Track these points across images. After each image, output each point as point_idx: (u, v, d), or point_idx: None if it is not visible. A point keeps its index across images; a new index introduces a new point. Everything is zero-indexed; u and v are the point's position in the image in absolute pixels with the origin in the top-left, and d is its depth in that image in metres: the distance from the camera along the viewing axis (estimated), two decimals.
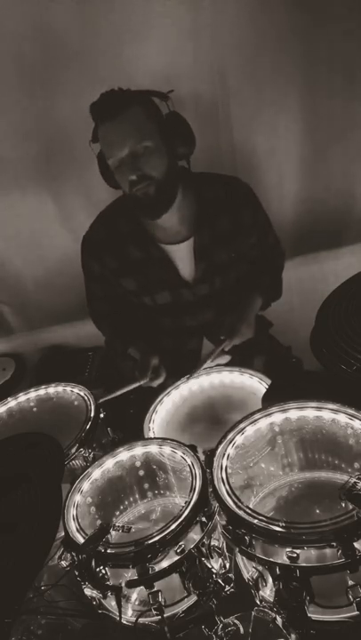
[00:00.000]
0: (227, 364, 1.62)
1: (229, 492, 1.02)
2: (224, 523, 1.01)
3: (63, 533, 1.08)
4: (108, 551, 1.01)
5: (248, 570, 1.01)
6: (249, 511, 0.97)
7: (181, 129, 1.51)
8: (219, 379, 1.57)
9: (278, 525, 0.92)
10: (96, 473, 1.22)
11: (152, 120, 1.47)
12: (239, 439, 1.15)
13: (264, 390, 1.41)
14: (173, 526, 1.00)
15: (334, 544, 0.86)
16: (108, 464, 1.23)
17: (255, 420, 1.18)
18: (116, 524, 1.13)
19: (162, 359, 1.63)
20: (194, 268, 1.68)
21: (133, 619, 1.01)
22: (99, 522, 1.12)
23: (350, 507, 0.90)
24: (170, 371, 1.63)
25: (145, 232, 1.66)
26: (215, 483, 1.05)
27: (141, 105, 1.46)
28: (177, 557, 0.99)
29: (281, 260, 1.92)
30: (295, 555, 0.89)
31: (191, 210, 1.63)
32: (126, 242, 1.67)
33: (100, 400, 1.49)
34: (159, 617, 0.96)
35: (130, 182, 1.48)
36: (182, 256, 1.67)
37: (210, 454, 1.13)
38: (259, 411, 1.20)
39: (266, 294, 1.78)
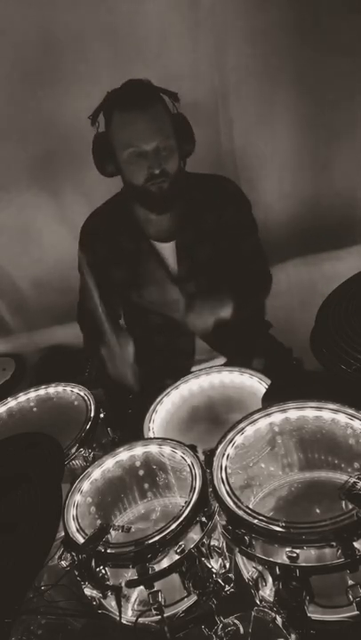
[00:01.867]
0: (226, 364, 1.62)
1: (229, 492, 1.02)
2: (224, 523, 1.01)
3: (63, 533, 1.08)
4: (108, 551, 1.01)
5: (248, 570, 1.01)
6: (249, 511, 0.97)
7: (188, 129, 1.56)
8: (219, 379, 1.57)
9: (278, 525, 0.92)
10: (96, 473, 1.22)
11: (169, 118, 1.51)
12: (239, 439, 1.15)
13: (264, 390, 1.41)
14: (173, 526, 1.00)
15: (334, 544, 0.86)
16: (108, 464, 1.23)
17: (255, 420, 1.18)
18: (116, 524, 1.13)
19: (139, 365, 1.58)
20: (177, 267, 1.70)
21: (133, 619, 1.01)
22: (99, 522, 1.12)
23: (350, 507, 0.90)
24: (164, 369, 1.61)
25: (138, 227, 1.69)
26: (215, 483, 1.05)
27: (162, 102, 1.50)
28: (177, 557, 0.99)
29: (268, 283, 1.83)
30: (295, 555, 0.89)
31: (180, 209, 1.65)
32: (120, 234, 1.70)
33: None
34: (159, 617, 0.96)
35: (149, 175, 1.49)
36: (170, 254, 1.70)
37: (210, 454, 1.13)
38: (258, 411, 1.20)
39: (246, 307, 1.69)
